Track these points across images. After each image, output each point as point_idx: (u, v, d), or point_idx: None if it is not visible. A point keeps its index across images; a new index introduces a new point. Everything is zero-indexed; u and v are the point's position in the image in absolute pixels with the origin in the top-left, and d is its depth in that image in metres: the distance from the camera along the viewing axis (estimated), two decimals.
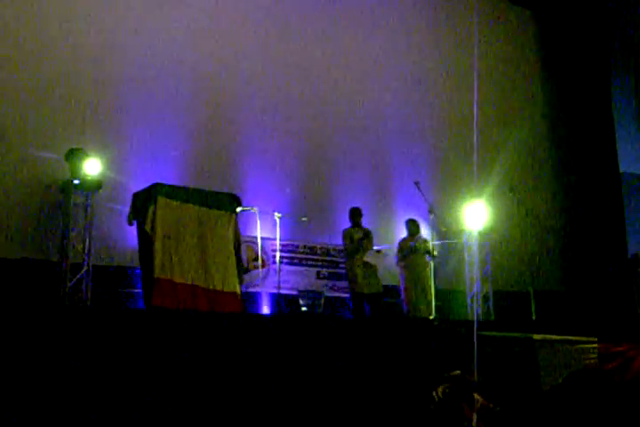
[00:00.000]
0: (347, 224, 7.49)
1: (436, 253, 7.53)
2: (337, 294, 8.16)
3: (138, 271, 6.35)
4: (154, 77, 7.71)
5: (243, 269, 6.57)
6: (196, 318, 5.14)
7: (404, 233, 7.83)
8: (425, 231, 7.87)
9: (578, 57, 10.83)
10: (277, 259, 6.93)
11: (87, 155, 6.61)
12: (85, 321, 4.62)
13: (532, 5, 11.12)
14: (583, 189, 10.51)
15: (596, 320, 7.75)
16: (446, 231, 8.05)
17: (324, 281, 8.22)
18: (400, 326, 6.24)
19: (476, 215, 8.47)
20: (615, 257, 9.83)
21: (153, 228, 5.89)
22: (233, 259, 6.24)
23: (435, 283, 7.35)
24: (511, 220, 9.03)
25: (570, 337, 5.24)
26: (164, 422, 4.44)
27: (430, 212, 7.56)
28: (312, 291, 7.74)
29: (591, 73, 10.72)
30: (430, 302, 7.28)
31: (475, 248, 8.71)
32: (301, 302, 7.45)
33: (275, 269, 7.24)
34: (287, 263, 7.90)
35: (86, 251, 6.58)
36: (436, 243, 7.80)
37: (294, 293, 7.64)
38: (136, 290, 6.67)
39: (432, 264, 7.46)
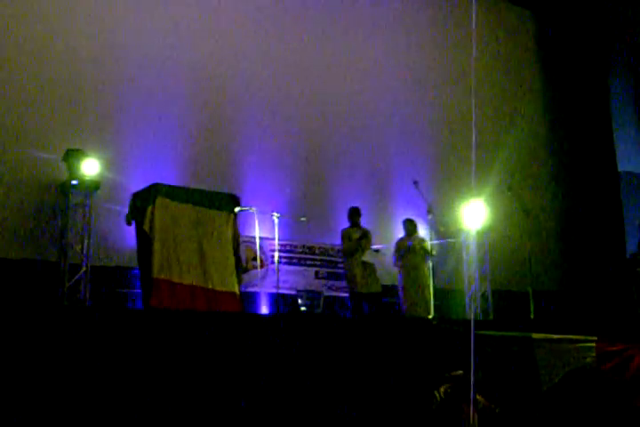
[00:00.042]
0: (345, 224, 7.50)
1: (434, 252, 7.53)
2: (336, 294, 8.16)
3: (136, 271, 6.35)
4: (153, 77, 7.70)
5: (242, 269, 6.57)
6: (194, 318, 5.14)
7: (402, 233, 7.84)
8: (423, 231, 7.88)
9: (576, 57, 10.84)
10: (276, 259, 6.93)
11: (85, 155, 6.61)
12: (84, 321, 4.62)
13: (532, 5, 11.13)
14: (582, 188, 10.52)
15: (594, 320, 7.77)
16: (445, 231, 8.06)
17: (323, 281, 8.23)
18: (398, 325, 6.25)
19: (474, 215, 8.46)
20: (614, 256, 9.84)
21: (151, 228, 5.89)
22: (232, 259, 6.24)
23: (433, 282, 7.35)
24: (510, 219, 9.03)
25: (568, 336, 5.25)
26: (163, 422, 4.45)
27: (429, 211, 7.57)
28: (311, 291, 7.75)
29: (590, 73, 10.73)
30: (428, 302, 7.29)
31: (473, 248, 8.72)
32: (300, 301, 7.45)
33: (273, 269, 7.24)
34: (286, 263, 7.90)
35: (85, 251, 6.57)
36: (435, 242, 7.81)
37: (293, 292, 7.64)
38: (135, 290, 6.67)
39: (430, 264, 7.47)
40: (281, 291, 7.22)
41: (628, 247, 10.01)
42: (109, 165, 6.93)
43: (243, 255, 7.01)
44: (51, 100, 7.05)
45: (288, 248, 8.03)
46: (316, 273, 8.24)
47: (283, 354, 5.04)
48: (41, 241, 6.70)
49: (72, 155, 6.60)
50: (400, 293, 7.55)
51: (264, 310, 7.51)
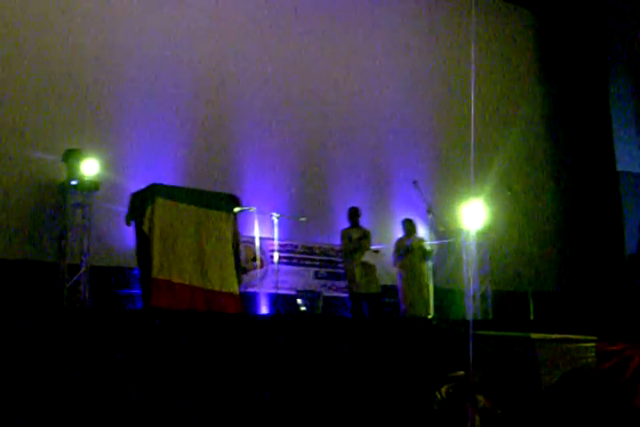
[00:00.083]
0: (345, 224, 7.49)
1: (432, 254, 7.52)
2: (335, 294, 8.16)
3: (136, 272, 6.35)
4: (153, 77, 7.70)
5: (241, 270, 6.56)
6: (194, 319, 5.14)
7: (402, 233, 7.84)
8: (423, 231, 7.88)
9: (576, 57, 10.85)
10: (276, 259, 6.92)
11: (85, 155, 6.61)
12: (83, 322, 4.62)
13: (531, 6, 11.14)
14: (581, 188, 10.53)
15: (593, 320, 7.77)
16: (444, 231, 8.06)
17: (323, 281, 8.23)
18: (398, 325, 6.25)
19: (474, 215, 8.48)
20: (613, 257, 9.84)
21: (151, 228, 5.88)
22: (231, 259, 6.23)
23: (433, 282, 7.36)
24: (509, 219, 9.04)
25: (568, 336, 5.25)
26: (163, 423, 4.44)
27: (429, 211, 7.58)
28: (310, 291, 7.74)
29: (589, 73, 10.74)
30: (428, 302, 7.29)
31: (473, 248, 8.72)
32: (300, 302, 7.45)
33: (273, 270, 7.24)
34: (285, 263, 7.90)
35: (84, 251, 6.57)
36: (435, 242, 7.82)
37: (292, 293, 7.63)
38: (134, 290, 6.66)
39: (430, 264, 7.47)
40: (280, 291, 7.23)
41: (627, 247, 10.01)
42: (109, 165, 6.93)
43: (242, 255, 7.01)
44: (50, 100, 7.05)
45: (288, 248, 8.03)
46: (316, 273, 8.24)
47: (282, 355, 5.03)
48: (40, 241, 6.70)
49: (71, 155, 6.60)
50: (399, 293, 7.55)
51: (264, 310, 7.51)
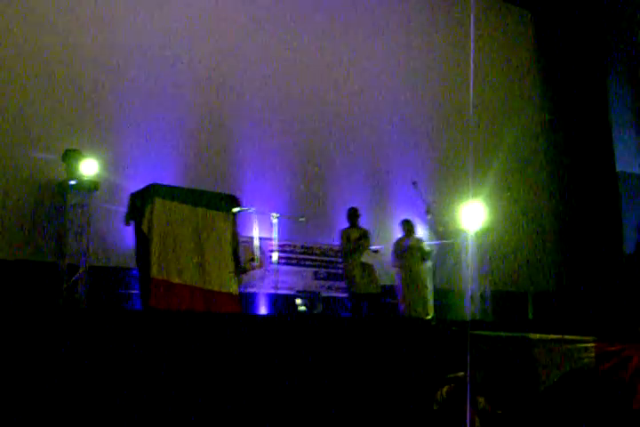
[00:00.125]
0: (344, 224, 7.50)
1: (431, 255, 7.52)
2: (334, 295, 8.16)
3: (135, 272, 6.34)
4: (152, 77, 7.70)
5: (240, 270, 6.56)
6: (193, 319, 5.13)
7: (401, 233, 7.84)
8: (422, 231, 7.88)
9: (575, 57, 10.85)
10: (275, 259, 6.92)
11: (84, 155, 6.61)
12: (82, 322, 4.61)
13: (530, 6, 11.15)
14: (580, 188, 10.53)
15: (592, 320, 7.77)
16: (444, 231, 8.06)
17: (322, 281, 8.23)
18: (397, 326, 6.25)
19: (473, 215, 8.48)
20: (612, 257, 9.85)
21: (150, 228, 5.88)
22: (230, 259, 6.23)
23: (433, 283, 7.36)
24: (508, 220, 9.04)
25: (567, 337, 5.25)
26: (162, 423, 4.44)
27: (428, 212, 7.58)
28: (309, 291, 7.75)
29: (588, 73, 10.74)
30: (427, 302, 7.29)
31: (472, 248, 8.72)
32: (299, 302, 7.45)
33: (272, 270, 7.23)
34: (285, 264, 7.90)
35: (83, 252, 6.57)
36: (434, 243, 7.82)
37: (292, 293, 7.64)
38: (133, 291, 6.66)
39: (429, 264, 7.48)
40: (280, 291, 7.23)
41: (625, 247, 10.02)
42: (108, 165, 6.93)
43: (241, 256, 7.00)
44: (49, 99, 7.05)
45: (287, 249, 8.03)
46: (315, 273, 8.24)
47: (282, 355, 5.03)
48: (39, 241, 6.69)
49: (71, 155, 6.60)
50: (398, 293, 7.55)
51: (263, 310, 7.51)
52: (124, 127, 7.45)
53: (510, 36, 10.87)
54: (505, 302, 8.66)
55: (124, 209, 6.25)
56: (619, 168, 10.48)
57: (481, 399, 4.23)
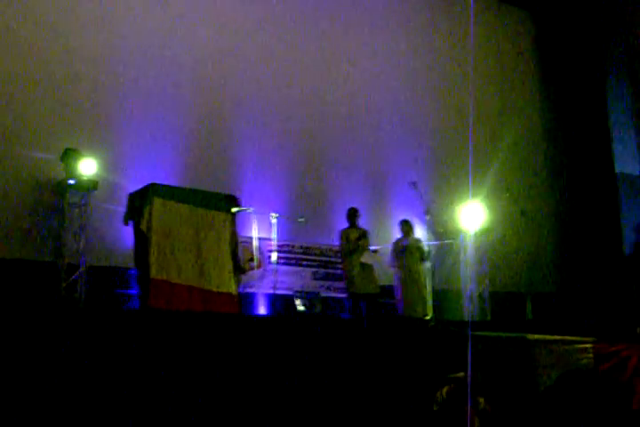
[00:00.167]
0: (343, 225, 7.49)
1: (429, 255, 7.52)
2: (333, 295, 8.15)
3: (133, 272, 6.34)
4: (151, 77, 7.69)
5: (239, 270, 6.56)
6: (192, 319, 5.13)
7: (400, 234, 7.84)
8: (421, 232, 7.88)
9: (574, 58, 10.86)
10: (274, 259, 6.92)
11: (83, 155, 6.60)
12: (81, 322, 4.61)
13: (530, 6, 11.15)
14: (579, 189, 10.54)
15: (591, 321, 7.77)
16: (443, 232, 8.06)
17: (321, 282, 8.22)
18: (396, 326, 6.25)
19: (472, 216, 8.48)
20: (611, 258, 9.85)
21: (149, 228, 5.87)
22: (229, 259, 6.23)
23: (432, 283, 7.35)
24: (507, 220, 9.04)
25: (565, 337, 5.25)
26: (162, 423, 4.44)
27: (427, 212, 7.57)
28: (308, 291, 7.73)
29: (587, 74, 10.75)
30: (426, 302, 7.29)
31: (471, 249, 8.72)
32: (298, 302, 7.44)
33: (271, 270, 7.23)
34: (283, 264, 7.89)
35: (82, 251, 6.56)
36: (433, 243, 7.81)
37: (291, 293, 7.62)
38: (132, 291, 6.66)
39: (429, 264, 7.47)
40: (278, 292, 7.22)
41: (625, 248, 10.02)
42: (107, 164, 6.92)
43: (241, 256, 7.00)
44: (49, 99, 7.04)
45: (286, 249, 8.02)
46: (314, 274, 8.23)
47: (281, 355, 5.03)
48: (38, 241, 6.68)
49: (69, 154, 6.60)
50: (397, 293, 7.55)
51: (262, 310, 7.50)
52: (124, 127, 7.45)
53: (510, 36, 10.88)
54: (504, 302, 8.66)
55: (122, 209, 6.25)
56: (618, 169, 10.48)
57: (481, 400, 4.23)
